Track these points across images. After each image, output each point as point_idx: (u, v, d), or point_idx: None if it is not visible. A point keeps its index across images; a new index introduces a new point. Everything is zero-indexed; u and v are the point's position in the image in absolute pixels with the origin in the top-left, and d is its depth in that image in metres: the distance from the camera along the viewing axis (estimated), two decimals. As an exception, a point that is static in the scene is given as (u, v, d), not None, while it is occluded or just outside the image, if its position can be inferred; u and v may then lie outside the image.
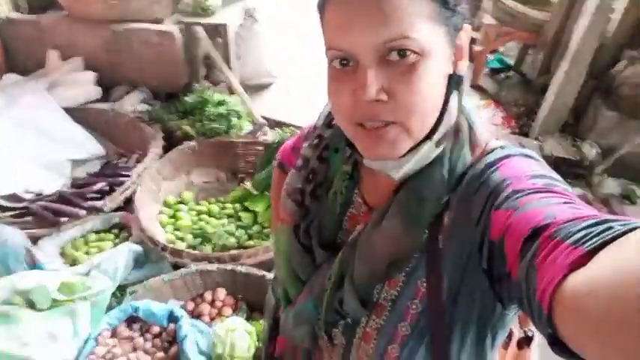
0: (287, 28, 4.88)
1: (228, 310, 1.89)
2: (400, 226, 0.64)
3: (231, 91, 3.14)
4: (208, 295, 1.92)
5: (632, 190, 2.76)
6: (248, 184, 2.51)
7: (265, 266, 1.96)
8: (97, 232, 2.28)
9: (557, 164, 2.77)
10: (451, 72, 0.61)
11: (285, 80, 4.00)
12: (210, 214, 2.46)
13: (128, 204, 2.35)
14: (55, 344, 1.55)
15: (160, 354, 1.68)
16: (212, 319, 1.86)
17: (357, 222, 0.74)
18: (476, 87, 3.90)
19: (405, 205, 0.64)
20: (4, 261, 1.85)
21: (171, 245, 2.03)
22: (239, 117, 2.86)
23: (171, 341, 1.72)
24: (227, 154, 2.74)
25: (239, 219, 2.42)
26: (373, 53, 0.55)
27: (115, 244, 2.17)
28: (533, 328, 0.85)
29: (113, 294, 1.88)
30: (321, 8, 0.60)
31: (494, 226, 0.54)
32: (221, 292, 1.93)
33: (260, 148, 2.69)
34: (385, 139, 0.58)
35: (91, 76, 3.06)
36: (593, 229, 0.42)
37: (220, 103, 2.87)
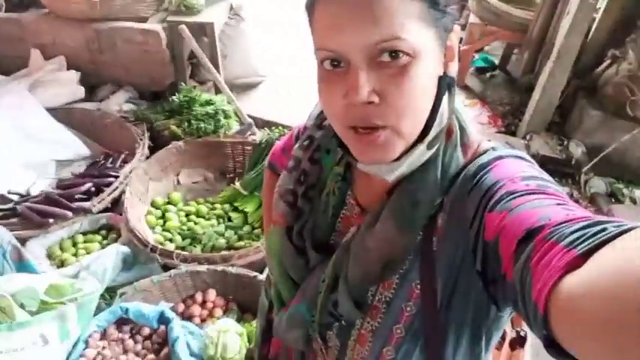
0: (274, 27, 4.86)
1: (219, 312, 1.89)
2: (394, 228, 0.64)
3: (218, 91, 3.12)
4: (199, 297, 1.91)
5: (619, 188, 2.80)
6: (237, 185, 2.50)
7: (256, 267, 1.96)
8: (85, 233, 2.26)
9: (543, 163, 2.79)
10: (442, 73, 0.61)
11: (273, 79, 3.99)
12: (199, 214, 2.45)
13: (115, 205, 2.32)
14: (45, 347, 1.53)
15: (151, 356, 1.67)
16: (203, 320, 1.85)
17: (351, 224, 0.74)
18: (462, 86, 3.92)
19: (399, 208, 0.64)
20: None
21: (160, 246, 2.01)
22: (227, 116, 2.84)
23: (161, 343, 1.71)
24: (215, 154, 2.72)
25: (229, 219, 2.41)
26: (364, 54, 0.55)
27: (103, 246, 2.15)
28: (525, 328, 0.86)
29: (101, 296, 1.87)
30: (310, 8, 0.60)
31: (489, 228, 0.54)
32: (212, 294, 1.92)
33: (249, 147, 2.68)
34: (377, 143, 0.58)
35: (74, 75, 3.02)
36: (587, 230, 0.42)
37: (207, 103, 2.86)
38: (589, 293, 0.36)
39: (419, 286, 0.65)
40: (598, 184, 2.83)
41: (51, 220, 2.12)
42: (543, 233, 0.46)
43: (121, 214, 2.21)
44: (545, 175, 0.58)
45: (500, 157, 0.61)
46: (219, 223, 2.38)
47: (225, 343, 1.62)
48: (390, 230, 0.64)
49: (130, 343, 1.70)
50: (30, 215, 2.13)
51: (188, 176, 2.68)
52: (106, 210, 2.29)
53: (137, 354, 1.69)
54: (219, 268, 1.90)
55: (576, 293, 0.37)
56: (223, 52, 3.44)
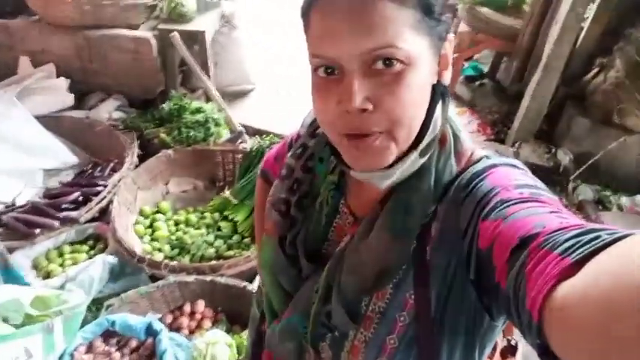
0: (265, 36, 4.89)
1: (207, 323, 1.86)
2: (387, 236, 0.63)
3: (209, 99, 3.11)
4: (187, 308, 1.89)
5: (606, 195, 2.83)
6: (227, 193, 2.49)
7: (245, 277, 1.94)
8: (72, 243, 2.22)
9: (532, 171, 2.80)
10: (435, 81, 0.61)
11: (264, 87, 3.99)
12: (188, 223, 2.42)
13: (103, 214, 2.30)
14: (29, 361, 1.49)
15: (139, 369, 1.64)
16: (191, 332, 1.83)
17: (344, 233, 0.73)
18: (451, 94, 3.95)
19: (392, 216, 0.64)
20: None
21: (148, 256, 1.99)
22: (217, 124, 2.83)
23: (149, 355, 1.68)
24: (205, 163, 2.71)
25: (218, 229, 2.38)
26: (358, 61, 0.55)
27: (90, 256, 2.12)
28: (516, 337, 0.86)
29: (88, 308, 1.83)
30: (305, 16, 0.60)
31: (483, 236, 0.54)
32: (200, 304, 1.90)
33: (239, 156, 2.67)
34: (371, 149, 0.58)
35: (63, 83, 3.00)
36: (580, 238, 0.42)
37: (198, 111, 2.85)
38: (583, 300, 0.36)
39: (413, 296, 0.64)
40: (586, 192, 2.85)
41: (37, 231, 2.09)
42: (537, 241, 0.46)
43: (108, 224, 2.18)
44: (539, 183, 0.59)
45: (494, 166, 0.61)
46: (208, 233, 2.36)
47: (214, 355, 1.60)
48: (383, 239, 0.63)
49: (116, 356, 1.67)
50: (16, 225, 2.09)
51: (177, 185, 2.66)
52: (93, 220, 2.26)
53: (124, 367, 1.65)
54: (208, 278, 1.88)
55: (571, 300, 0.37)
56: (215, 60, 3.44)
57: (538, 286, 0.41)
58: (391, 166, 0.61)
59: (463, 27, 3.92)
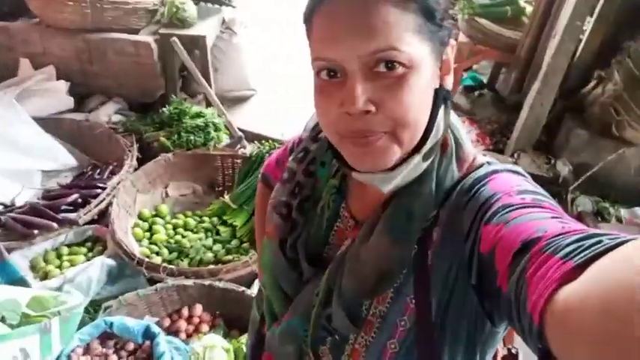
0: (263, 34, 4.92)
1: (205, 327, 1.86)
2: (388, 240, 0.63)
3: (209, 104, 3.12)
4: (185, 311, 1.88)
5: (605, 207, 2.83)
6: (226, 198, 2.49)
7: (244, 281, 1.94)
8: (70, 245, 2.21)
9: (531, 181, 2.81)
10: (437, 86, 0.62)
11: (264, 93, 4.01)
12: (187, 227, 2.42)
13: (102, 217, 2.29)
14: (25, 362, 1.48)
15: (135, 372, 1.63)
16: (189, 335, 1.82)
17: (345, 237, 0.74)
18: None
19: (393, 220, 0.64)
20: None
21: (146, 259, 1.98)
22: (217, 129, 2.84)
23: (146, 358, 1.67)
24: (204, 167, 2.71)
25: (217, 233, 2.38)
26: (361, 64, 0.55)
27: (89, 258, 2.12)
28: (517, 345, 0.86)
29: (85, 309, 1.82)
30: (308, 20, 0.61)
31: (484, 240, 0.54)
32: (198, 308, 1.89)
33: (238, 161, 2.67)
34: (374, 148, 0.58)
35: (63, 85, 3.00)
36: (582, 242, 0.42)
37: (198, 115, 2.85)
38: (584, 304, 0.36)
39: (413, 301, 0.64)
40: (584, 203, 2.85)
41: (35, 232, 2.08)
42: (539, 245, 0.46)
43: (107, 226, 2.18)
44: (540, 190, 0.59)
45: (495, 172, 0.62)
46: (207, 237, 2.36)
47: (211, 359, 1.59)
48: (384, 243, 0.64)
49: (114, 358, 1.66)
50: (14, 226, 2.08)
51: (176, 189, 2.66)
52: (92, 222, 2.26)
53: (121, 369, 1.65)
54: (207, 282, 1.87)
55: (572, 304, 0.37)
56: (215, 66, 3.45)
57: (539, 290, 0.41)
58: (394, 168, 0.61)
59: (462, 38, 3.94)
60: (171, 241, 2.31)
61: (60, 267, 2.08)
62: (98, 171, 2.60)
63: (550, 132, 3.30)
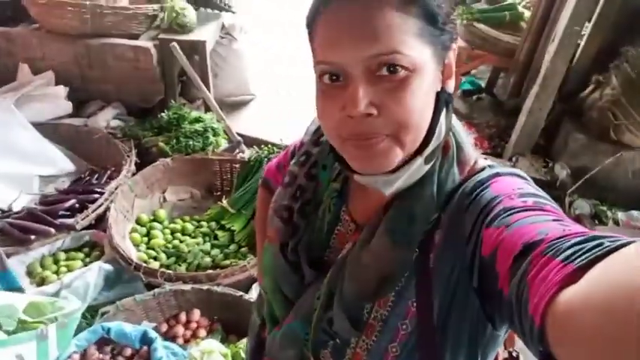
0: (269, 44, 4.95)
1: (202, 332, 1.85)
2: (389, 243, 0.63)
3: (208, 109, 3.12)
4: (183, 317, 1.88)
5: (602, 210, 2.84)
6: (225, 202, 2.48)
7: (242, 286, 1.93)
8: (67, 250, 2.21)
9: (530, 184, 2.82)
10: (439, 89, 0.62)
11: (263, 98, 4.02)
12: (184, 232, 2.41)
13: (100, 222, 2.28)
14: (21, 369, 1.47)
15: (132, 378, 1.62)
16: (186, 341, 1.81)
17: (346, 240, 0.73)
18: (450, 106, 3.98)
19: (395, 223, 0.64)
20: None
21: (144, 264, 1.97)
22: (216, 134, 2.84)
23: (143, 364, 1.66)
24: (203, 172, 2.71)
25: (215, 238, 2.38)
26: (363, 67, 0.55)
27: (86, 263, 2.11)
28: (518, 348, 0.85)
29: (82, 315, 1.81)
30: (311, 24, 0.61)
31: (486, 243, 0.54)
32: (196, 313, 1.88)
33: (237, 165, 2.67)
34: (376, 151, 0.58)
35: (62, 90, 2.99)
36: (583, 245, 0.42)
37: (197, 120, 2.85)
38: (585, 306, 0.36)
39: (415, 304, 0.64)
40: (582, 206, 2.86)
41: (32, 237, 2.08)
42: (540, 248, 0.46)
43: (104, 231, 2.17)
44: (542, 193, 0.59)
45: (497, 175, 0.62)
46: (205, 242, 2.35)
47: (209, 364, 1.58)
48: (385, 246, 0.63)
49: (110, 364, 1.65)
50: (11, 231, 2.08)
51: (174, 193, 2.65)
52: (89, 227, 2.25)
53: (118, 375, 1.63)
54: (204, 287, 1.86)
55: (573, 307, 0.37)
56: (214, 71, 3.46)
57: (540, 293, 0.41)
58: (395, 170, 0.61)
59: (460, 43, 3.96)
60: (169, 245, 2.31)
61: (57, 272, 2.07)
62: (96, 176, 2.60)
63: (548, 136, 3.31)
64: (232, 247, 2.31)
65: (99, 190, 2.39)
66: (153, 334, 1.69)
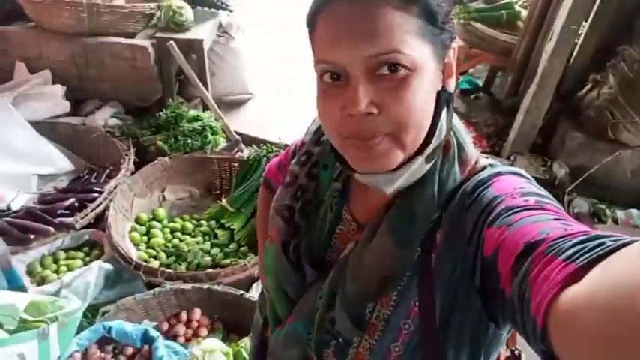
0: (270, 44, 4.94)
1: (203, 331, 1.85)
2: (391, 243, 0.63)
3: (206, 107, 3.12)
4: (183, 315, 1.88)
5: (601, 209, 2.85)
6: (224, 201, 2.48)
7: (242, 285, 1.93)
8: (67, 249, 2.20)
9: (529, 182, 2.83)
10: (440, 88, 0.62)
11: (261, 96, 4.02)
12: (184, 231, 2.41)
13: (99, 221, 2.28)
14: (22, 368, 1.47)
15: (134, 376, 1.63)
16: (187, 340, 1.82)
17: (348, 240, 0.74)
18: (448, 105, 3.99)
19: (396, 222, 0.64)
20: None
21: (144, 263, 1.98)
22: (214, 133, 2.84)
23: (144, 363, 1.66)
24: (201, 171, 2.70)
25: (215, 236, 2.38)
26: (363, 66, 0.55)
27: (86, 263, 2.11)
28: (520, 347, 0.86)
29: (83, 314, 1.81)
30: (311, 23, 0.61)
31: (487, 243, 0.54)
32: (197, 312, 1.88)
33: (235, 164, 2.67)
34: (376, 151, 0.58)
35: (59, 89, 2.98)
36: (585, 244, 0.42)
37: (195, 119, 2.85)
38: (588, 305, 0.36)
39: (417, 304, 0.64)
40: (581, 205, 2.87)
41: (32, 236, 2.07)
42: (542, 247, 0.46)
43: (104, 231, 2.17)
44: (543, 192, 0.59)
45: (499, 174, 0.62)
46: (204, 241, 2.35)
47: (210, 362, 1.59)
48: (387, 245, 0.63)
49: (111, 362, 1.66)
50: (10, 231, 2.07)
51: (173, 192, 2.65)
52: (89, 226, 2.24)
53: (119, 374, 1.64)
54: (205, 286, 1.87)
55: (575, 306, 0.37)
56: (212, 70, 3.45)
57: (542, 292, 0.41)
58: (396, 169, 0.61)
59: (458, 42, 3.96)
60: (169, 245, 2.31)
61: (57, 272, 2.07)
62: (95, 175, 2.59)
63: (546, 135, 3.32)
64: (232, 245, 2.31)
65: (98, 189, 2.38)
66: (154, 332, 1.69)
